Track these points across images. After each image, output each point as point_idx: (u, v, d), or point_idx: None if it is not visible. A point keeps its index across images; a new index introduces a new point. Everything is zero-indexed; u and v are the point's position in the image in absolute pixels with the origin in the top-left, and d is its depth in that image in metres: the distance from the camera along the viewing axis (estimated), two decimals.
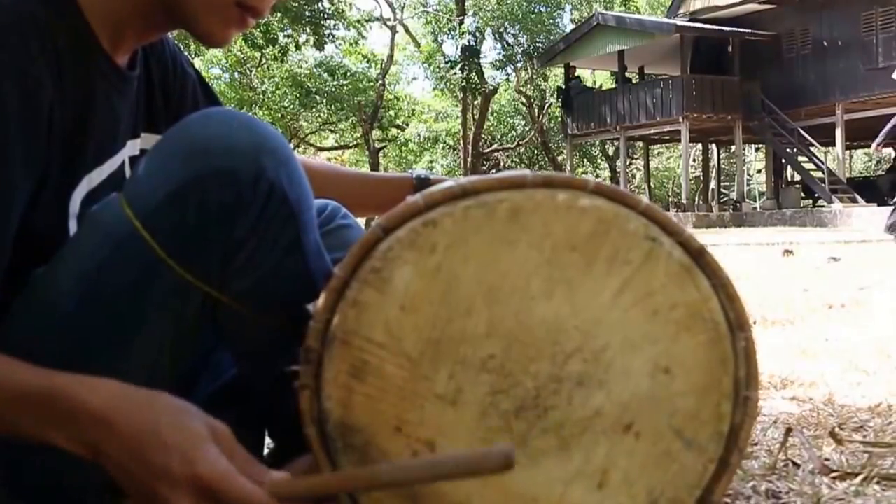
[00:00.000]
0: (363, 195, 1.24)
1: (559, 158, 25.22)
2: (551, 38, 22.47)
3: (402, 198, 1.20)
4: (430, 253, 0.78)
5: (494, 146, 26.22)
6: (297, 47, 20.81)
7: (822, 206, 15.86)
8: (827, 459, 1.26)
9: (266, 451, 1.13)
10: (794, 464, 1.26)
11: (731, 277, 0.82)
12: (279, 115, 22.74)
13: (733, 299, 0.82)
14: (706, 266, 0.81)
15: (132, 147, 1.01)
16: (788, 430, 1.31)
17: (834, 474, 1.18)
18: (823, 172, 16.51)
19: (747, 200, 19.32)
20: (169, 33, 1.03)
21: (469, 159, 23.42)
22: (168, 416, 0.74)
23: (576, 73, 20.43)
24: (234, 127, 0.82)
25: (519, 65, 23.92)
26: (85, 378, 0.74)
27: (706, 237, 8.16)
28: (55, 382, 0.73)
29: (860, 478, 1.16)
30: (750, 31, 17.21)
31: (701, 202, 20.86)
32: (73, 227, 0.91)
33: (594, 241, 0.79)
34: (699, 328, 0.81)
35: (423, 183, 1.20)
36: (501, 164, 26.23)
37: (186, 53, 1.15)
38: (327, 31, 20.18)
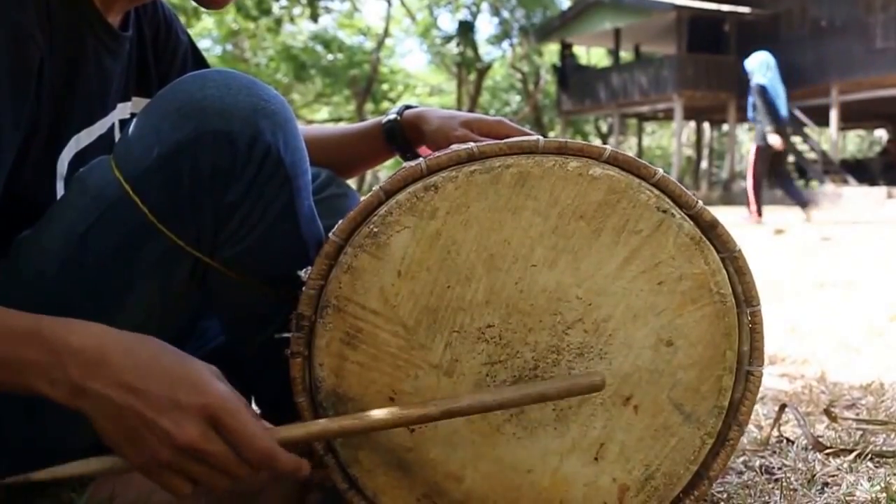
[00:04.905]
0: (341, 155, 1.18)
1: (552, 135, 25.15)
2: (548, 13, 22.29)
3: (374, 152, 1.17)
4: (431, 218, 0.76)
5: None
6: (292, 19, 20.50)
7: (815, 187, 15.86)
8: (820, 436, 1.25)
9: None
10: (787, 440, 1.25)
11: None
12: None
13: (743, 272, 0.80)
14: (717, 238, 0.80)
15: (122, 110, 0.98)
16: (782, 406, 1.30)
17: (827, 451, 1.18)
18: (816, 153, 16.49)
19: (738, 180, 19.31)
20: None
21: None
22: (168, 351, 0.72)
23: (571, 50, 20.30)
24: (232, 87, 0.79)
25: (514, 40, 23.74)
26: (71, 320, 0.72)
27: None
28: (41, 324, 0.71)
29: (854, 454, 1.16)
30: (748, 10, 17.10)
31: (691, 181, 20.87)
32: (60, 188, 0.88)
33: (603, 211, 0.77)
34: (705, 300, 0.79)
35: (392, 130, 1.12)
36: None
37: None
38: (322, 3, 19.89)
